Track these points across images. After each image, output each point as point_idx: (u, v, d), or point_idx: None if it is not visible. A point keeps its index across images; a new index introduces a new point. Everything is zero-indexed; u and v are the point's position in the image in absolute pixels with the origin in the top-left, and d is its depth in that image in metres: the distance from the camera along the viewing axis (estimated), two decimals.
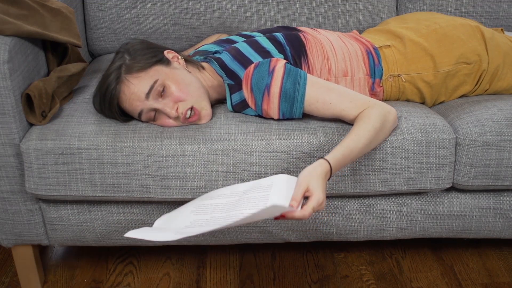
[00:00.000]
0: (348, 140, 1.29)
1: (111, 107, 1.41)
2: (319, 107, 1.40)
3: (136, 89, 1.38)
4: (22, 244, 1.56)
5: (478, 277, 1.64)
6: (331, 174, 1.24)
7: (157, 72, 1.39)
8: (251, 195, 1.23)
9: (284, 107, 1.41)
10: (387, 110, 1.37)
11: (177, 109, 1.40)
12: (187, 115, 1.41)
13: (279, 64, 1.39)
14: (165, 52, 1.46)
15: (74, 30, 1.52)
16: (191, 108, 1.41)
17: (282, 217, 1.15)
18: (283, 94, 1.38)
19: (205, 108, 1.44)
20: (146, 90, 1.38)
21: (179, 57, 1.48)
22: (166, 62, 1.43)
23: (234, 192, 1.29)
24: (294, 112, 1.41)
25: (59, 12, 1.49)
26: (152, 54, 1.42)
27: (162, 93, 1.39)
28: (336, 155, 1.26)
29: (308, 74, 1.40)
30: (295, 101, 1.39)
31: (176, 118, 1.42)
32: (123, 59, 1.40)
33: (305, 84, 1.38)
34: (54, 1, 1.51)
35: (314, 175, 1.20)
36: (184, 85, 1.41)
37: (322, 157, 1.25)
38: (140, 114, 1.41)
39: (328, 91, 1.39)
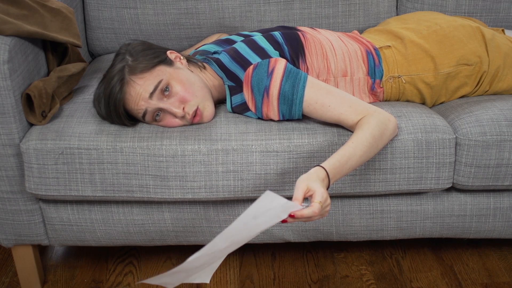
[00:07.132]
0: (345, 148, 1.27)
1: (117, 110, 1.39)
2: (318, 109, 1.39)
3: (141, 89, 1.37)
4: (22, 244, 1.56)
5: (478, 277, 1.64)
6: (329, 181, 1.22)
7: (161, 72, 1.39)
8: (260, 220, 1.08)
9: (283, 109, 1.40)
10: (387, 118, 1.35)
11: (183, 108, 1.40)
12: (193, 115, 1.42)
13: (279, 65, 1.39)
14: (168, 52, 1.46)
15: (74, 30, 1.52)
16: (196, 108, 1.42)
17: (291, 217, 1.11)
18: (281, 96, 1.38)
19: (207, 109, 1.44)
20: (151, 89, 1.37)
21: (182, 57, 1.48)
22: (169, 62, 1.43)
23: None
24: (294, 113, 1.41)
25: (59, 12, 1.49)
26: (154, 55, 1.42)
27: (166, 93, 1.39)
28: (331, 162, 1.24)
29: (308, 76, 1.40)
30: (294, 104, 1.39)
31: (182, 117, 1.42)
32: (125, 60, 1.40)
33: (304, 86, 1.38)
34: (54, 1, 1.51)
35: (311, 178, 1.18)
36: (188, 84, 1.41)
37: (317, 165, 1.23)
38: (144, 114, 1.41)
39: (328, 94, 1.38)
